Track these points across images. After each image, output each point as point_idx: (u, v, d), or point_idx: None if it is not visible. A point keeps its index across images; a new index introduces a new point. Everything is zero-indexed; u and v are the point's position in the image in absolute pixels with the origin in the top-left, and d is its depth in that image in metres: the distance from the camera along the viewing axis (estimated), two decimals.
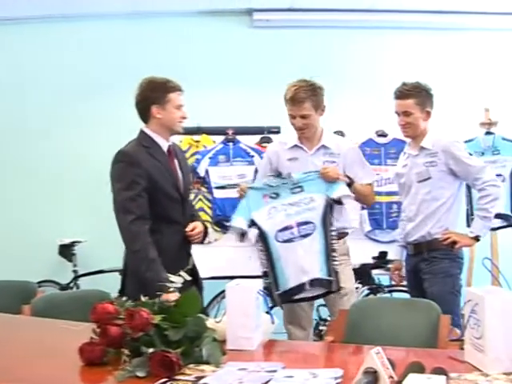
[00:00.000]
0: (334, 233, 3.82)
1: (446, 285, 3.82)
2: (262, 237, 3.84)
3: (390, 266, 4.67)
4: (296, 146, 4.00)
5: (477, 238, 3.97)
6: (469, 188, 4.84)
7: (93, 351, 2.32)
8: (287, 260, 3.80)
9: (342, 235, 3.97)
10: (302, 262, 3.79)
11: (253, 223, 3.85)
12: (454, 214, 4.00)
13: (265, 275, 3.82)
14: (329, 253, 3.80)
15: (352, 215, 4.15)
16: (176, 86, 3.56)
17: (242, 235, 3.83)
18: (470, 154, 3.99)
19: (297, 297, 3.83)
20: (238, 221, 3.86)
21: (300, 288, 3.80)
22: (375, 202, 4.15)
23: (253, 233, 3.83)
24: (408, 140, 4.12)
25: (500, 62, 6.14)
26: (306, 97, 3.83)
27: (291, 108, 3.89)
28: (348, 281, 3.96)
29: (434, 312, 2.98)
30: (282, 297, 3.81)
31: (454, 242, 3.88)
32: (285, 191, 3.87)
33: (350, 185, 3.86)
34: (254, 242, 3.85)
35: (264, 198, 3.88)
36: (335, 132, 4.92)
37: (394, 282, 4.53)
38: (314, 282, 3.79)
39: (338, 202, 3.83)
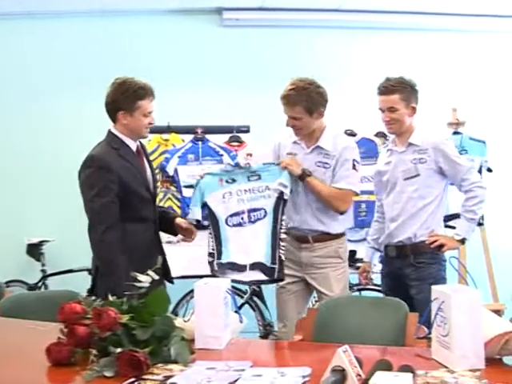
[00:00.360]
0: (283, 223, 3.85)
1: None
2: (213, 219, 3.89)
3: (358, 264, 4.71)
4: (296, 142, 3.99)
5: (463, 241, 3.92)
6: None
7: (60, 351, 2.30)
8: (235, 243, 3.88)
9: (328, 237, 3.92)
10: (247, 245, 3.87)
11: (205, 205, 3.90)
12: (439, 214, 3.93)
13: (210, 255, 3.87)
14: (277, 241, 3.84)
15: (345, 217, 3.99)
16: (148, 92, 3.50)
17: (197, 225, 3.85)
18: (461, 154, 4.00)
19: (235, 276, 3.83)
20: (194, 211, 3.89)
21: (240, 268, 3.86)
22: (339, 211, 3.86)
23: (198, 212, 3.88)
24: (391, 136, 4.04)
25: (467, 63, 6.20)
26: (298, 100, 3.76)
27: (284, 107, 3.85)
28: (335, 286, 3.88)
29: (402, 310, 2.99)
30: (220, 266, 3.84)
31: (441, 245, 3.82)
32: (241, 177, 3.93)
33: (303, 178, 3.84)
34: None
35: (220, 181, 3.93)
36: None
37: (363, 283, 4.47)
38: (254, 266, 3.85)
39: (281, 197, 3.85)
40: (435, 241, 3.82)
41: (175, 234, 4.01)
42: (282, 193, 3.85)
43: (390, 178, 3.96)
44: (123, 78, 3.53)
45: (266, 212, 3.88)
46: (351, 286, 5.11)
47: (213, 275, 3.79)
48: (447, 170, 3.84)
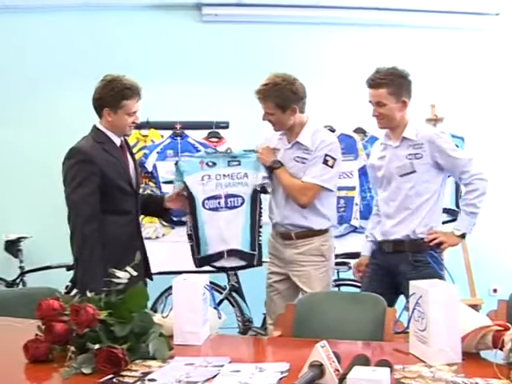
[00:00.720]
0: (261, 210, 3.99)
1: None
2: (191, 200, 4.00)
3: (336, 260, 4.71)
4: (280, 137, 4.00)
5: (463, 236, 3.80)
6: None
7: (38, 348, 2.30)
8: (211, 227, 4.01)
9: (311, 233, 3.91)
10: (223, 232, 4.00)
11: (184, 185, 4.01)
12: (438, 210, 3.81)
13: (189, 238, 4.04)
14: (256, 228, 4.00)
15: (328, 212, 3.96)
16: (134, 92, 3.56)
17: (176, 222, 4.06)
18: (457, 146, 3.83)
19: (216, 264, 4.06)
20: (177, 186, 4.07)
21: (219, 256, 4.03)
22: (300, 204, 3.81)
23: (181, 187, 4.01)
24: (384, 130, 3.98)
25: (446, 59, 6.22)
26: (269, 96, 3.78)
27: (262, 104, 3.86)
28: (316, 285, 3.87)
29: (380, 305, 3.01)
30: (200, 261, 4.04)
31: (441, 243, 3.72)
32: (222, 161, 4.04)
33: (271, 170, 3.88)
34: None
35: (201, 164, 4.04)
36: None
37: (356, 277, 4.31)
38: (231, 253, 4.01)
39: (263, 189, 3.97)
40: (434, 238, 3.70)
41: (164, 213, 4.09)
42: (263, 186, 3.96)
43: (386, 173, 3.84)
44: (113, 76, 3.59)
45: (243, 200, 3.99)
46: None
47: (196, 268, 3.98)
48: (445, 165, 3.71)
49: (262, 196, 4.07)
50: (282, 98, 3.76)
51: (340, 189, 5.15)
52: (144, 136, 5.46)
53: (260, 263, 4.02)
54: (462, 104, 6.09)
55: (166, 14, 6.11)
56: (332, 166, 3.83)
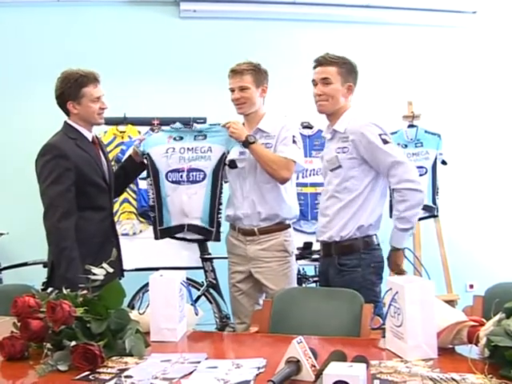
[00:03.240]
0: (222, 187, 4.07)
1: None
2: (154, 171, 4.06)
3: (314, 256, 4.74)
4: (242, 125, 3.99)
5: (399, 249, 3.50)
6: None
7: (13, 346, 2.29)
8: (173, 200, 4.09)
9: (275, 228, 3.91)
10: (184, 206, 4.06)
11: (147, 157, 4.06)
12: (371, 208, 3.50)
13: (152, 209, 4.12)
14: (215, 205, 4.05)
15: (292, 202, 3.97)
16: (90, 78, 3.55)
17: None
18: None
19: (178, 235, 4.15)
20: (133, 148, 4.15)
21: (180, 228, 4.11)
22: (283, 177, 3.76)
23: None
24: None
25: (423, 57, 6.26)
26: (247, 69, 3.85)
27: (231, 81, 3.90)
28: (280, 281, 3.85)
29: (357, 301, 3.01)
30: (162, 232, 4.12)
31: (401, 270, 3.51)
32: (189, 136, 4.13)
33: (247, 145, 3.83)
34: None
35: (168, 138, 4.14)
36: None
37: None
38: (190, 227, 4.09)
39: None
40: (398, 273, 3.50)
41: (143, 166, 4.10)
42: (223, 159, 4.02)
43: (322, 168, 3.78)
44: (67, 70, 3.59)
45: (205, 175, 4.05)
46: (307, 278, 5.15)
47: (156, 239, 4.11)
48: (370, 160, 3.44)
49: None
50: (258, 74, 3.88)
51: (317, 185, 5.20)
52: (121, 132, 5.44)
53: (218, 239, 4.11)
54: (439, 101, 6.14)
55: (144, 9, 6.07)
56: (299, 146, 3.87)
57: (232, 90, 3.91)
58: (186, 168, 4.06)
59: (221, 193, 4.07)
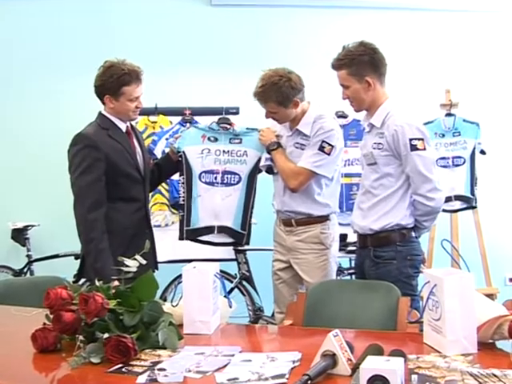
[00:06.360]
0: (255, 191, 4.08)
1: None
2: (188, 170, 4.07)
3: (350, 248, 4.72)
4: (285, 125, 4.01)
5: None
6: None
7: (46, 338, 2.31)
8: (205, 200, 4.10)
9: (312, 220, 3.91)
10: (216, 208, 4.10)
11: (182, 155, 4.06)
12: (406, 206, 3.44)
13: (181, 208, 4.12)
14: (249, 208, 4.09)
15: (327, 201, 3.92)
16: (132, 77, 3.53)
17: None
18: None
19: (204, 238, 4.14)
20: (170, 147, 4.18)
21: (208, 230, 4.12)
22: (290, 188, 3.80)
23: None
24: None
25: (461, 43, 6.19)
26: (268, 96, 3.78)
27: (259, 103, 3.89)
28: (315, 274, 3.86)
29: (394, 294, 3.00)
30: (188, 233, 4.11)
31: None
32: (224, 138, 4.15)
33: (268, 151, 3.95)
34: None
35: (202, 137, 4.14)
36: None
37: None
38: (222, 229, 4.11)
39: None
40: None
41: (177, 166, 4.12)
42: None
43: (360, 159, 3.76)
44: (112, 62, 3.57)
45: (240, 178, 4.08)
46: (342, 270, 5.13)
47: (180, 239, 4.11)
48: (400, 158, 3.40)
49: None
50: (282, 96, 3.76)
51: (352, 175, 5.17)
52: (153, 122, 5.45)
53: (248, 243, 4.14)
54: (477, 88, 6.05)
55: None
56: (329, 154, 3.78)
57: (266, 111, 3.89)
58: (220, 170, 4.10)
59: (254, 197, 4.10)
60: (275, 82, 3.75)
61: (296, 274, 3.97)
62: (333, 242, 3.97)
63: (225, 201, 4.09)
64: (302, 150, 3.87)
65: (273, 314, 4.47)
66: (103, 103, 3.61)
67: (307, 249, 3.90)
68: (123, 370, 2.10)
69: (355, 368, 1.91)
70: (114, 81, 3.50)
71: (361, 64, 3.42)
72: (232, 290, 5.07)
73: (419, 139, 3.36)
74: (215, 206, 4.10)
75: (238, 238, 4.13)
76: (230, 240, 4.18)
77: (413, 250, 3.48)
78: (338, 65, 3.48)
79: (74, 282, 3.26)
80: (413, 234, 3.51)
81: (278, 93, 3.75)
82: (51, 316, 2.36)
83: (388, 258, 3.44)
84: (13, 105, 5.90)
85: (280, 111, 3.82)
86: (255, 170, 4.11)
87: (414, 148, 3.34)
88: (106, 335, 2.21)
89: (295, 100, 3.80)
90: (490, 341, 2.28)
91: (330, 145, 3.78)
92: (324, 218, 3.93)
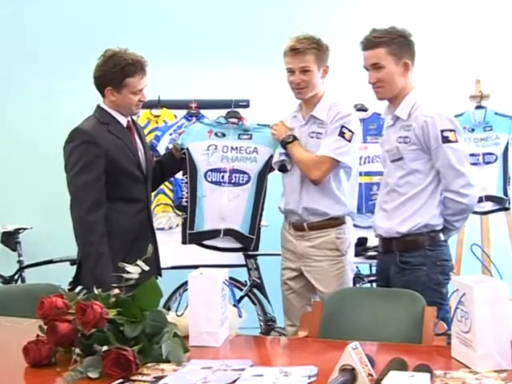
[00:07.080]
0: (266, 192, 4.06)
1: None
2: (192, 169, 4.06)
3: (370, 253, 4.70)
4: (294, 116, 4.00)
5: None
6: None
7: (39, 351, 2.32)
8: (210, 201, 4.10)
9: (326, 224, 3.87)
10: (223, 210, 4.09)
11: (186, 152, 4.05)
12: (436, 205, 3.42)
13: (183, 210, 4.11)
14: (258, 211, 4.07)
15: (345, 198, 3.89)
16: (137, 68, 3.52)
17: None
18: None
19: (208, 242, 4.14)
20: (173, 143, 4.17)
21: (214, 233, 4.12)
22: (312, 179, 3.74)
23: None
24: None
25: (492, 30, 6.17)
26: (309, 47, 3.73)
27: (290, 60, 3.78)
28: (329, 283, 3.82)
29: (419, 303, 2.98)
30: (191, 237, 4.11)
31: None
32: (232, 133, 4.14)
33: (284, 145, 3.87)
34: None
35: (209, 133, 4.12)
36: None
37: None
38: (228, 232, 4.09)
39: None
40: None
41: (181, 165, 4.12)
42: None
43: (381, 157, 3.75)
44: (114, 51, 3.56)
45: (249, 177, 4.08)
46: (362, 277, 5.13)
47: (183, 243, 4.10)
48: (430, 152, 3.38)
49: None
50: (320, 51, 3.77)
51: (373, 174, 5.15)
52: (156, 116, 5.45)
53: (257, 248, 4.13)
54: (510, 79, 6.03)
55: None
56: (350, 140, 3.75)
57: (290, 71, 3.81)
58: (228, 168, 4.09)
59: (264, 198, 4.08)
60: (315, 39, 3.78)
61: (308, 282, 3.93)
62: (349, 247, 3.95)
63: (232, 202, 4.09)
64: (319, 139, 3.83)
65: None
66: (103, 95, 3.59)
67: (321, 255, 3.86)
68: None
69: None
70: (117, 71, 3.48)
71: (401, 44, 3.43)
72: (242, 298, 5.07)
73: (451, 130, 3.35)
74: (222, 207, 4.10)
75: (246, 242, 4.13)
76: (236, 245, 4.18)
77: (443, 255, 3.46)
78: (375, 42, 3.42)
79: (69, 290, 3.26)
80: (442, 236, 3.48)
81: (319, 47, 3.78)
82: (45, 327, 2.37)
83: (416, 264, 3.41)
84: (6, 103, 5.93)
85: (313, 72, 3.75)
86: (266, 168, 4.09)
87: (445, 140, 3.33)
88: (104, 348, 2.21)
89: (326, 66, 3.83)
90: None
91: (350, 131, 3.75)
92: (339, 222, 3.90)
